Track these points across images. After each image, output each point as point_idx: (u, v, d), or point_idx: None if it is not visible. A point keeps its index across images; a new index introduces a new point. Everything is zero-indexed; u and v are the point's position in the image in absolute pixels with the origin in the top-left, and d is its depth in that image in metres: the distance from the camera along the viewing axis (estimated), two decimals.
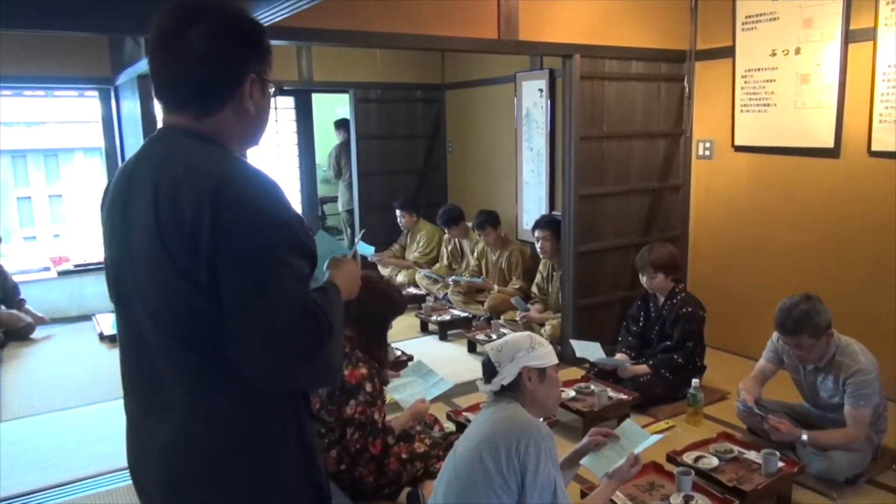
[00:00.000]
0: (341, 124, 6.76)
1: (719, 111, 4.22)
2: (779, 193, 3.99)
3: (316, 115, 7.43)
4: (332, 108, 7.65)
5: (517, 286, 5.04)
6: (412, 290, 5.59)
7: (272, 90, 1.24)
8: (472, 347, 4.49)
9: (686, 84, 4.35)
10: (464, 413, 3.23)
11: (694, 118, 4.40)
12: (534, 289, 4.88)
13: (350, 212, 6.61)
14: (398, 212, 5.95)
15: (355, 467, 2.43)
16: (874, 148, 3.46)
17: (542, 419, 2.02)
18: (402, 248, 6.16)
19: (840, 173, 3.65)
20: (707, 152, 4.37)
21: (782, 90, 3.84)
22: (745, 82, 4.03)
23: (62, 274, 5.60)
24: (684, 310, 3.52)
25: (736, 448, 2.80)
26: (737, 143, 4.16)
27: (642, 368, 3.54)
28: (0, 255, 5.12)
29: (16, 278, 5.28)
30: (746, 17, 3.97)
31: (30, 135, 6.72)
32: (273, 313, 1.07)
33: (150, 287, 1.12)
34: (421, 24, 3.42)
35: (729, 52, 4.08)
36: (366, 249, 5.89)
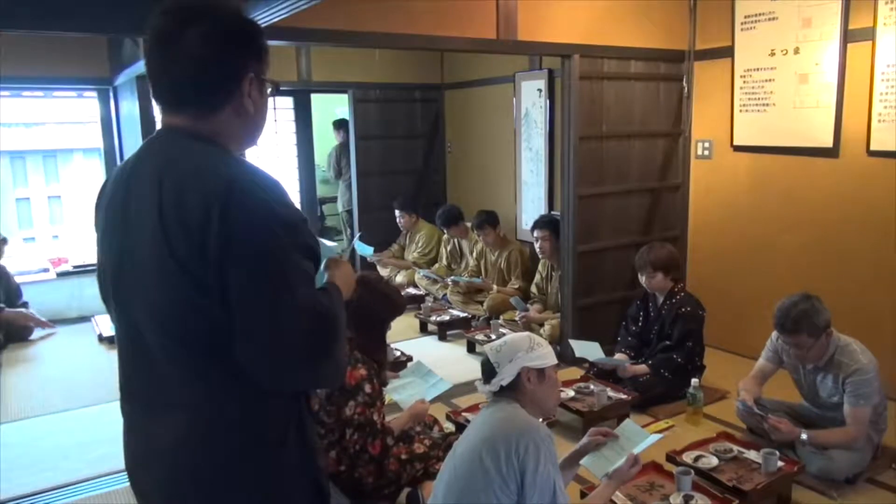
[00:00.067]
0: (340, 124, 6.76)
1: (718, 111, 4.22)
2: (778, 193, 3.99)
3: (315, 116, 7.43)
4: (331, 108, 7.64)
5: (516, 286, 5.04)
6: (411, 291, 5.59)
7: (270, 90, 1.23)
8: (471, 348, 4.49)
9: (685, 84, 4.35)
10: (463, 413, 3.23)
11: (693, 118, 4.40)
12: (533, 289, 4.88)
13: (350, 212, 6.60)
14: (397, 212, 5.94)
15: (355, 468, 2.43)
16: (873, 147, 3.46)
17: (541, 419, 2.02)
18: (402, 249, 6.16)
19: (839, 173, 3.65)
20: (706, 152, 4.37)
21: (781, 90, 3.84)
22: (744, 82, 4.03)
23: (61, 275, 5.59)
24: (684, 309, 3.53)
25: (736, 447, 2.80)
26: (736, 142, 4.16)
27: (642, 368, 3.54)
28: (3, 255, 5.11)
29: (15, 279, 5.27)
30: (745, 17, 3.97)
31: (29, 135, 6.71)
32: (285, 315, 1.08)
33: (153, 289, 1.12)
34: (419, 24, 3.42)
35: (728, 52, 4.08)
36: (365, 250, 5.89)
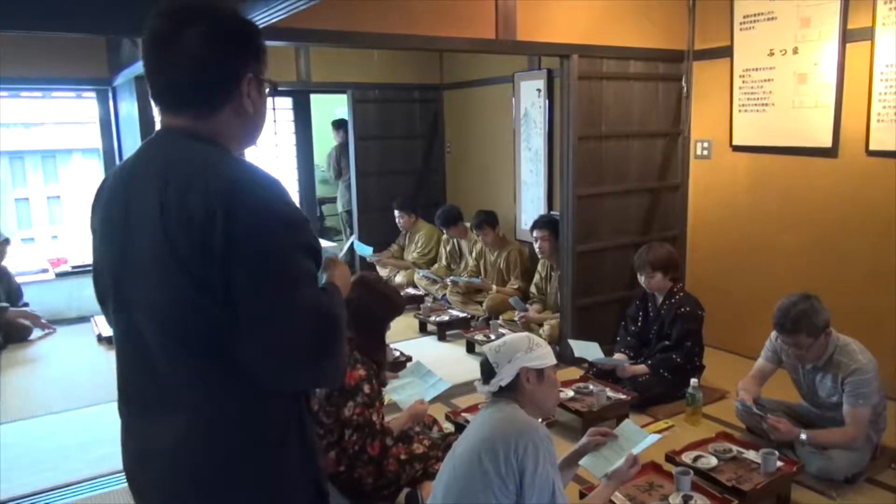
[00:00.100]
0: (340, 124, 6.76)
1: (717, 111, 4.22)
2: (777, 193, 3.99)
3: (314, 116, 7.43)
4: (330, 108, 7.65)
5: (516, 286, 5.04)
6: (411, 291, 5.59)
7: (268, 90, 1.24)
8: (470, 348, 4.49)
9: (684, 84, 4.35)
10: (462, 414, 3.23)
11: (692, 118, 4.40)
12: (532, 289, 4.88)
13: (349, 212, 6.61)
14: (396, 212, 5.94)
15: (354, 469, 2.43)
16: (872, 147, 3.46)
17: (540, 420, 2.02)
18: (401, 249, 6.16)
19: (838, 173, 3.65)
20: (705, 152, 4.38)
21: (780, 90, 3.84)
22: (743, 82, 4.03)
23: (60, 275, 5.59)
24: (683, 309, 3.53)
25: (735, 447, 2.80)
26: (735, 142, 4.16)
27: (641, 368, 3.54)
28: (5, 255, 5.12)
29: (16, 280, 5.27)
30: (744, 17, 3.97)
31: (28, 136, 6.71)
32: (290, 315, 1.08)
33: (154, 289, 1.12)
34: (418, 25, 3.42)
35: (727, 52, 4.08)
36: (364, 250, 5.89)
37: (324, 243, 6.93)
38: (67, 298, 5.48)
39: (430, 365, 3.26)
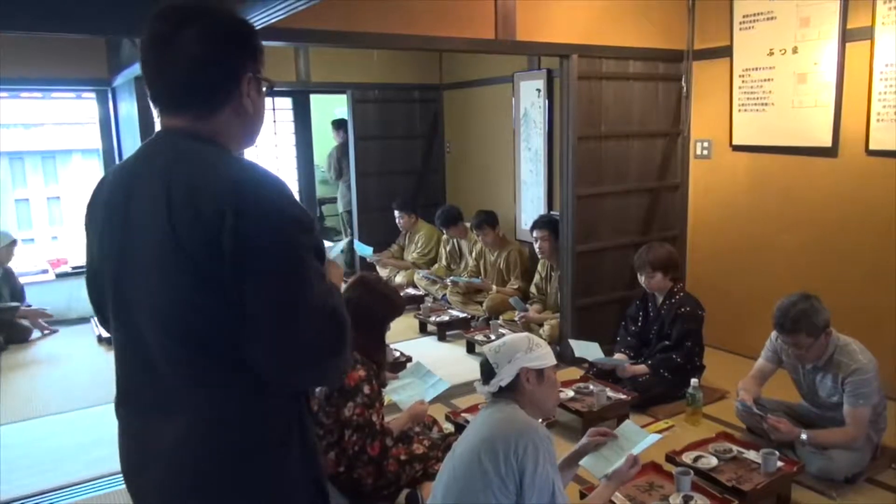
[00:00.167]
0: (340, 124, 6.75)
1: (717, 111, 4.22)
2: (777, 193, 3.99)
3: (314, 116, 7.43)
4: (330, 108, 7.64)
5: (516, 286, 5.04)
6: (411, 291, 5.59)
7: (266, 88, 1.24)
8: (470, 348, 4.49)
9: (684, 83, 4.35)
10: (462, 414, 3.22)
11: (692, 118, 4.40)
12: (532, 289, 4.87)
13: (350, 212, 6.61)
14: (396, 212, 5.94)
15: (354, 469, 2.43)
16: (872, 147, 3.46)
17: (540, 420, 2.02)
18: (401, 249, 6.16)
19: (838, 172, 3.65)
20: (705, 152, 4.37)
21: (780, 89, 3.84)
22: (743, 82, 4.03)
23: (60, 276, 5.59)
24: (683, 309, 3.52)
25: (735, 448, 2.80)
26: (735, 142, 4.16)
27: (641, 368, 3.54)
28: (12, 256, 5.15)
29: (19, 280, 5.30)
30: (744, 17, 3.97)
31: (27, 136, 6.71)
32: (303, 314, 1.09)
33: (156, 288, 1.11)
34: (417, 25, 3.42)
35: (726, 52, 4.08)
36: (364, 250, 5.89)
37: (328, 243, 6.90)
38: (67, 299, 5.48)
39: (430, 365, 3.26)
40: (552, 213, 4.90)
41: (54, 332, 5.16)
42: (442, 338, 4.79)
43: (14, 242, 5.16)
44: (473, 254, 5.45)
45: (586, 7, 3.93)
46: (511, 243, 5.26)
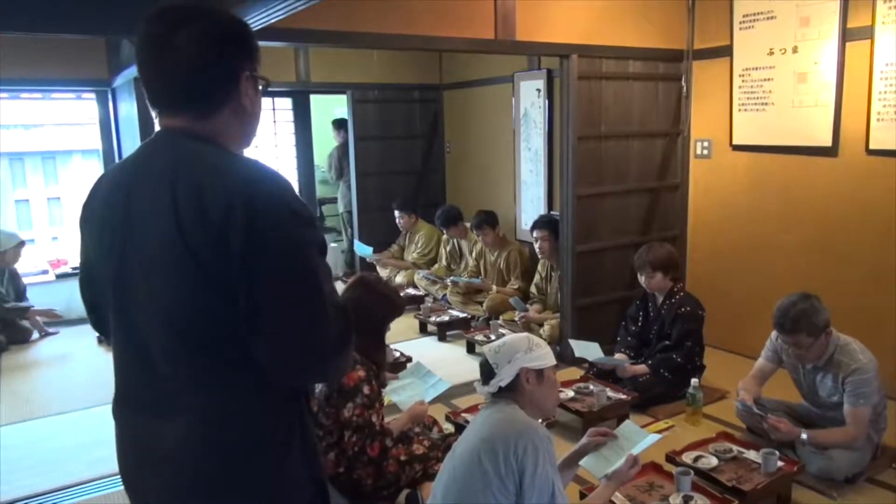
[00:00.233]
0: (341, 124, 6.74)
1: (717, 110, 4.21)
2: (777, 192, 3.99)
3: (314, 117, 7.42)
4: (330, 109, 7.64)
5: (516, 286, 5.03)
6: (411, 291, 5.59)
7: (263, 86, 1.24)
8: (470, 348, 4.49)
9: (684, 83, 4.35)
10: (462, 414, 3.22)
11: (692, 117, 4.40)
12: (532, 289, 4.87)
13: (351, 212, 6.60)
14: (396, 212, 5.94)
15: (353, 470, 2.43)
16: (872, 146, 3.45)
17: (540, 420, 2.02)
18: (401, 249, 6.16)
19: (838, 172, 3.65)
20: (705, 151, 4.37)
21: (780, 89, 3.84)
22: (743, 81, 4.03)
23: (60, 277, 5.60)
24: (683, 309, 3.52)
25: (735, 447, 2.80)
26: (735, 142, 4.16)
27: (641, 368, 3.54)
28: (19, 257, 5.19)
29: (23, 281, 5.32)
30: (744, 16, 3.97)
31: (27, 137, 6.71)
32: (315, 311, 1.10)
33: (161, 288, 1.11)
34: (417, 25, 3.42)
35: (726, 52, 4.08)
36: (364, 250, 5.89)
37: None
38: (68, 300, 5.47)
39: (430, 365, 3.26)
40: (552, 213, 4.89)
41: (54, 333, 5.16)
42: (442, 338, 4.79)
43: (22, 244, 5.20)
44: (473, 254, 5.45)
45: (586, 7, 3.93)
46: (511, 243, 5.26)
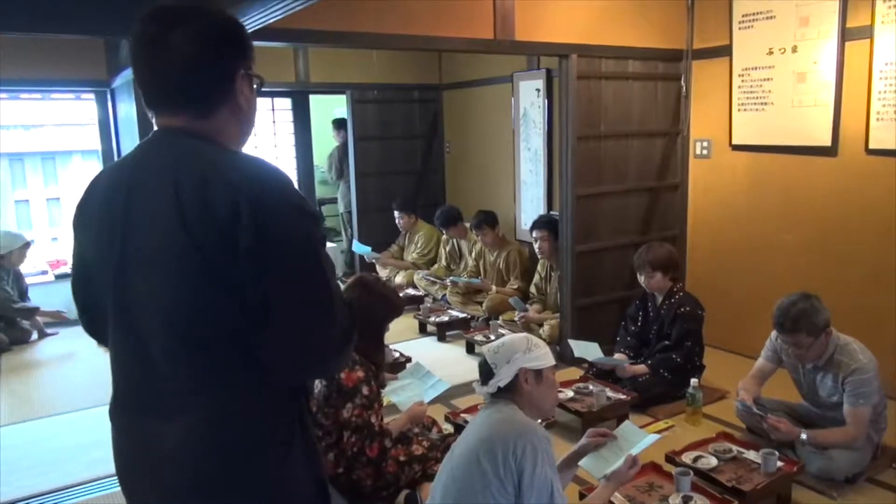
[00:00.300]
0: (341, 124, 6.74)
1: (717, 110, 4.21)
2: (777, 192, 3.99)
3: (313, 117, 7.42)
4: (329, 109, 7.64)
5: (515, 286, 5.03)
6: (411, 291, 5.59)
7: (257, 85, 1.24)
8: (470, 348, 4.48)
9: (683, 83, 4.35)
10: (462, 415, 3.22)
11: (691, 117, 4.40)
12: (532, 289, 4.87)
13: (351, 213, 6.60)
14: (396, 213, 5.94)
15: (353, 470, 2.43)
16: (872, 146, 3.45)
17: (539, 421, 2.02)
18: (401, 249, 6.16)
19: (838, 171, 3.64)
20: (705, 151, 4.37)
21: (779, 89, 3.83)
22: (742, 81, 4.03)
23: (60, 277, 5.60)
24: (683, 309, 3.52)
25: (735, 448, 2.79)
26: (734, 141, 4.15)
27: (641, 368, 3.54)
28: (25, 258, 5.21)
29: (25, 281, 5.33)
30: (743, 16, 3.96)
31: (27, 138, 6.71)
32: (326, 306, 1.12)
33: (164, 288, 1.11)
34: (416, 25, 3.41)
35: (726, 51, 4.08)
36: (362, 249, 5.89)
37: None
38: (67, 300, 5.41)
39: (429, 365, 3.26)
40: (552, 213, 4.89)
41: (54, 334, 5.16)
42: (441, 338, 4.79)
43: (27, 245, 5.22)
44: (473, 254, 5.45)
45: (585, 7, 3.92)
46: (511, 243, 5.26)
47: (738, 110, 4.08)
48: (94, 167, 6.26)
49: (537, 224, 4.64)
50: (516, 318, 4.66)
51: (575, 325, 4.18)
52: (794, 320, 2.67)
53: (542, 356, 1.96)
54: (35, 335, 5.10)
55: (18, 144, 6.64)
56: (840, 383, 2.73)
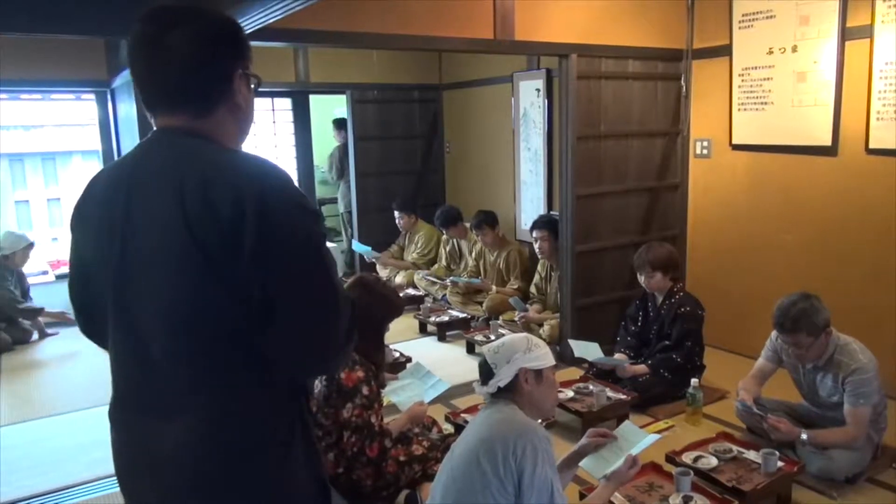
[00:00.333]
0: (342, 124, 6.74)
1: (717, 110, 4.21)
2: (777, 192, 3.98)
3: (314, 117, 7.42)
4: (329, 109, 7.64)
5: (515, 286, 5.03)
6: (411, 291, 5.59)
7: (255, 84, 1.25)
8: (470, 348, 4.48)
9: (683, 83, 4.34)
10: (462, 415, 3.22)
11: (691, 117, 4.39)
12: (532, 289, 4.87)
13: (351, 213, 6.60)
14: (396, 213, 5.94)
15: (353, 470, 2.43)
16: (872, 145, 3.45)
17: (539, 421, 2.01)
18: (401, 249, 6.16)
19: (838, 171, 3.64)
20: (705, 151, 4.37)
21: (779, 88, 3.83)
22: (743, 80, 4.03)
23: (60, 277, 5.61)
24: (683, 309, 3.52)
25: (735, 448, 2.79)
26: (734, 141, 4.15)
27: (641, 368, 3.54)
28: (28, 259, 5.24)
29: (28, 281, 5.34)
30: (743, 16, 3.96)
31: (27, 138, 6.71)
32: (332, 303, 1.13)
33: (166, 287, 1.11)
34: (415, 25, 3.41)
35: (726, 51, 4.08)
36: (362, 248, 5.89)
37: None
38: (67, 301, 5.46)
39: (430, 365, 3.26)
40: (552, 213, 4.89)
41: (54, 334, 5.17)
42: (442, 338, 4.79)
43: (31, 245, 5.23)
44: (473, 254, 5.45)
45: (585, 6, 3.92)
46: (511, 243, 5.26)
47: (739, 110, 4.08)
48: (95, 167, 6.25)
49: (537, 224, 4.64)
50: (516, 318, 4.65)
51: (575, 325, 4.18)
52: (794, 320, 2.67)
53: (542, 356, 1.96)
54: (36, 335, 5.11)
55: (19, 145, 6.64)
56: (840, 383, 2.73)
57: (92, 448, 3.21)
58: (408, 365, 3.75)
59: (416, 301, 5.37)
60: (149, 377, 1.17)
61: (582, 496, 2.42)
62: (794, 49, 3.73)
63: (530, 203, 5.30)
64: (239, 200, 1.05)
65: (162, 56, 1.15)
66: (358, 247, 5.98)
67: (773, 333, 2.95)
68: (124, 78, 4.45)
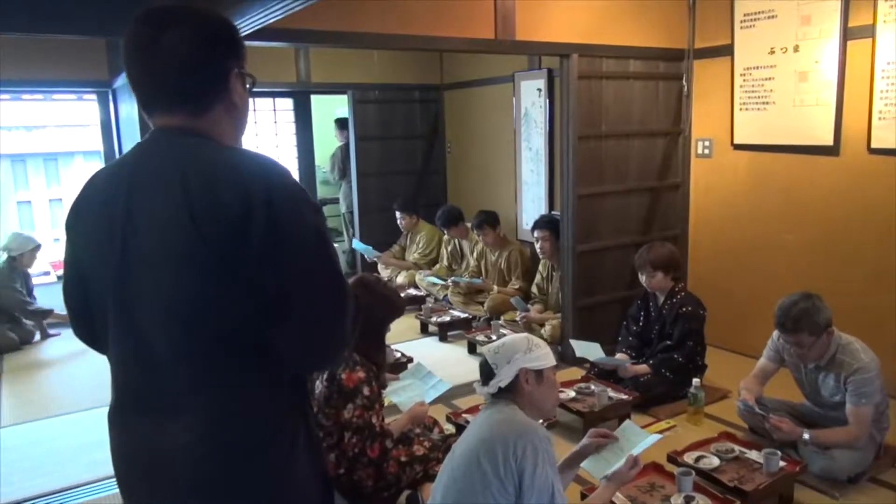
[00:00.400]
0: (344, 124, 6.72)
1: (718, 109, 4.21)
2: (778, 191, 3.98)
3: (315, 117, 7.42)
4: (331, 109, 7.64)
5: (517, 286, 5.03)
6: (412, 292, 5.59)
7: (250, 83, 1.25)
8: (472, 348, 4.48)
9: (685, 83, 4.34)
10: (463, 415, 3.22)
11: (693, 117, 4.39)
12: (533, 289, 4.87)
13: (353, 213, 6.60)
14: (398, 213, 5.94)
15: (354, 471, 2.42)
16: (874, 145, 3.44)
17: (540, 421, 2.01)
18: (402, 250, 6.16)
19: (840, 171, 3.64)
20: (706, 151, 4.36)
21: (781, 88, 3.83)
22: (744, 80, 4.02)
23: (62, 278, 5.60)
24: (684, 309, 3.51)
25: (737, 447, 2.79)
26: (736, 141, 4.15)
27: (643, 368, 3.53)
28: (35, 260, 5.24)
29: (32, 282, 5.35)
30: (745, 16, 3.96)
31: (29, 139, 6.72)
32: (340, 296, 1.15)
33: (170, 284, 1.11)
34: (416, 25, 3.41)
35: (727, 51, 4.07)
36: (362, 248, 5.89)
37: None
38: None
39: (431, 366, 3.26)
40: (553, 212, 4.89)
41: (56, 335, 5.17)
42: (443, 338, 4.79)
43: (38, 247, 5.23)
44: (474, 254, 5.45)
45: (586, 6, 3.92)
46: (512, 243, 5.26)
47: (740, 110, 4.07)
48: (97, 168, 6.24)
49: (538, 224, 4.64)
50: (518, 318, 4.65)
51: (576, 325, 4.18)
52: (795, 320, 2.67)
53: (543, 356, 1.95)
54: (38, 336, 5.11)
55: (20, 145, 6.65)
56: (842, 383, 2.73)
57: (93, 449, 3.21)
58: (409, 365, 3.74)
59: (418, 301, 5.37)
60: (149, 378, 1.17)
61: (583, 496, 2.42)
62: (796, 49, 3.72)
63: (531, 203, 5.30)
64: (247, 197, 1.06)
65: (159, 57, 1.15)
66: (359, 246, 5.98)
67: (775, 333, 2.95)
68: (125, 78, 4.45)
